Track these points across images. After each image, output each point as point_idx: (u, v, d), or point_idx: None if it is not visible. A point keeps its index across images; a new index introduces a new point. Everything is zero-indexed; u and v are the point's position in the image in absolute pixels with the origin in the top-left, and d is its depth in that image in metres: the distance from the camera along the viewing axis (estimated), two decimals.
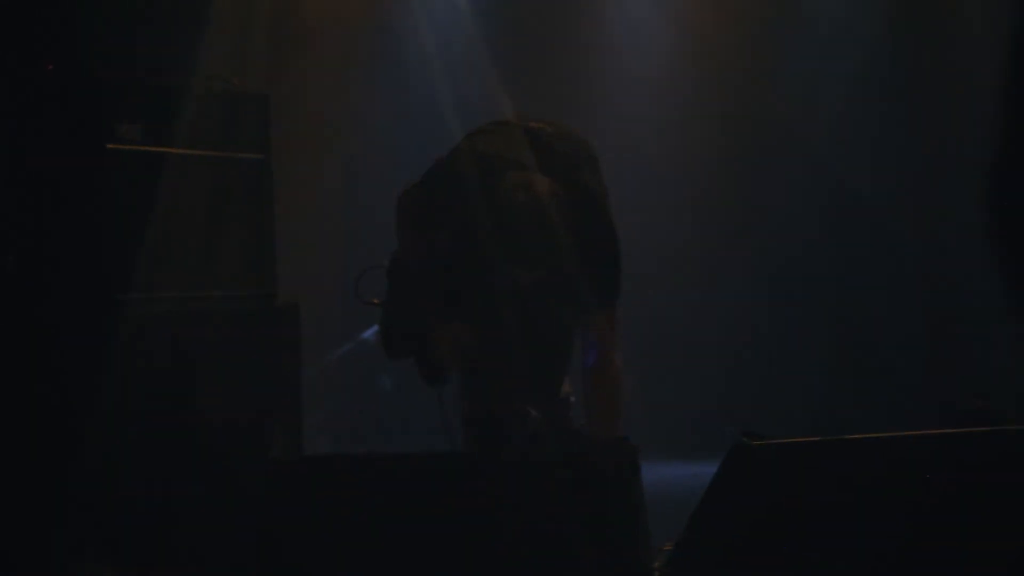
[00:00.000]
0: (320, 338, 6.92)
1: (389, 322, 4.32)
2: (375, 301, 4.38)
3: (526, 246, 3.95)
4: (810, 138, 8.00)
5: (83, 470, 4.13)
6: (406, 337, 4.25)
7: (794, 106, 8.02)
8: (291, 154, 6.14)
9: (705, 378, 7.86)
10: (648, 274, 7.47)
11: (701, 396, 7.79)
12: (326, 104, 7.63)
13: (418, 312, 4.19)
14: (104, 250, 4.35)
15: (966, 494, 3.27)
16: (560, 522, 3.32)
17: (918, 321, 7.86)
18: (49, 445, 4.19)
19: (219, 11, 5.28)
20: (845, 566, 3.28)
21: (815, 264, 8.01)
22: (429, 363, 4.22)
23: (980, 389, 7.08)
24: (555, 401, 4.20)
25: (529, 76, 7.35)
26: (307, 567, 3.44)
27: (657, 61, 8.01)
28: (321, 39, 7.58)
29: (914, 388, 7.54)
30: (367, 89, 7.79)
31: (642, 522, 3.38)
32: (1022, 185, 2.49)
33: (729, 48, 8.09)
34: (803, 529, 3.31)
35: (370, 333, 7.33)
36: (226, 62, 5.20)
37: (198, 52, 4.92)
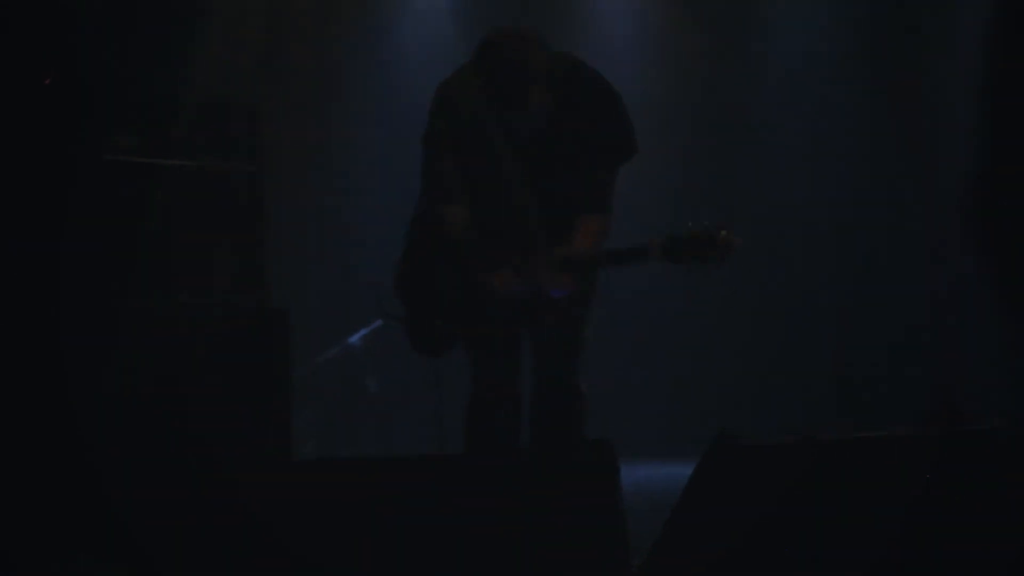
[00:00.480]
0: (308, 342, 6.99)
1: (411, 328, 4.51)
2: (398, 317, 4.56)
3: (517, 92, 4.22)
4: (791, 139, 8.03)
5: (81, 471, 4.20)
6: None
7: (775, 109, 8.07)
8: (282, 164, 6.23)
9: (685, 379, 7.90)
10: (627, 277, 7.55)
11: (681, 397, 7.83)
12: (318, 116, 7.70)
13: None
14: (101, 258, 4.44)
15: (938, 493, 3.33)
16: (542, 521, 3.40)
17: (902, 324, 7.87)
18: (48, 448, 4.26)
19: (211, 23, 5.34)
20: (821, 565, 3.31)
21: (796, 266, 8.03)
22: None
23: (958, 389, 7.17)
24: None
25: None
26: (296, 567, 3.51)
27: (639, 60, 8.03)
28: (311, 51, 7.65)
29: (901, 390, 7.57)
30: (357, 100, 7.86)
31: (621, 521, 3.45)
32: (1004, 198, 2.50)
33: (706, 47, 8.13)
34: (779, 528, 3.35)
35: (356, 337, 7.41)
36: (219, 74, 5.27)
37: (191, 64, 4.98)
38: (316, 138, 7.72)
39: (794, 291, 8.01)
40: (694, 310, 7.99)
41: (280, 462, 4.48)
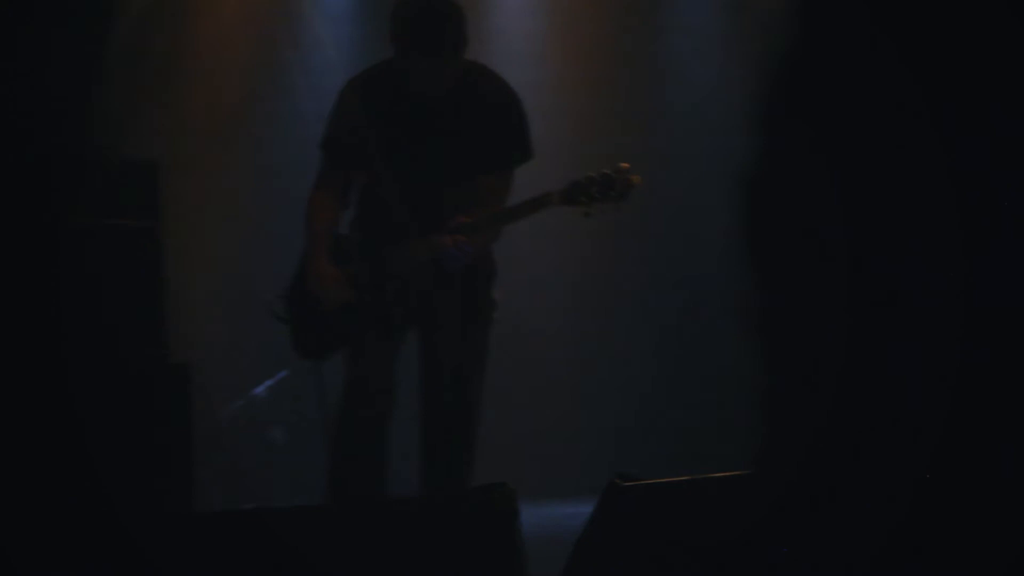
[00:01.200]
0: (212, 394, 6.97)
1: (295, 329, 4.66)
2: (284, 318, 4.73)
3: (425, 35, 4.32)
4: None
5: None
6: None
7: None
8: (182, 217, 6.22)
9: (589, 417, 7.92)
10: (538, 324, 7.60)
11: (584, 435, 7.84)
12: (221, 168, 7.71)
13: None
14: None
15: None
16: (438, 568, 3.43)
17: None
18: None
19: (107, 77, 5.34)
20: None
21: (700, 296, 8.00)
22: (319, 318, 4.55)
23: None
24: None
25: None
26: None
27: (540, 74, 7.98)
28: (211, 104, 7.66)
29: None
30: (259, 153, 7.87)
31: (521, 564, 3.48)
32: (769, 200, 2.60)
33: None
34: (675, 568, 3.43)
35: (261, 389, 7.40)
36: (116, 129, 5.28)
37: (88, 120, 5.00)
38: (219, 191, 7.72)
39: (701, 329, 7.98)
40: (603, 348, 8.01)
41: (179, 515, 4.48)
